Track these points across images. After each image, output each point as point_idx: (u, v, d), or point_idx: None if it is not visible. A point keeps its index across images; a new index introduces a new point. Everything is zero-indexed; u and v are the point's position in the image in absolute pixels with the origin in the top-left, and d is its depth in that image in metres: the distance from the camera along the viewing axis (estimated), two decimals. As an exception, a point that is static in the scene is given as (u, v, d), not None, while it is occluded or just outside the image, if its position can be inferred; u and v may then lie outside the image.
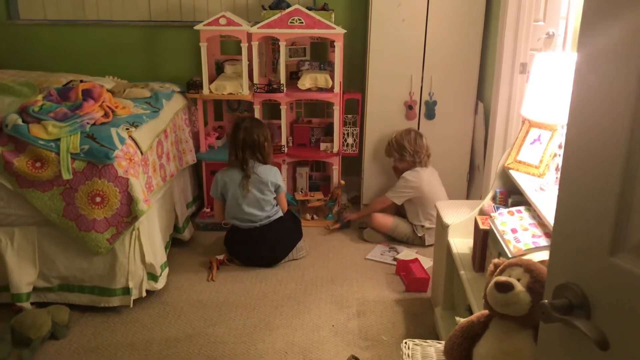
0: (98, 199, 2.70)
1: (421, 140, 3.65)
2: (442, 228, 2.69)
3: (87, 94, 2.98)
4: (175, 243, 3.55)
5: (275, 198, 3.43)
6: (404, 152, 3.64)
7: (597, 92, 0.90)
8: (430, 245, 3.54)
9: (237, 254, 3.42)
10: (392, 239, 3.74)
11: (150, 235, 2.95)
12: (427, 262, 3.33)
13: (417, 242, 3.68)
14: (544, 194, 2.06)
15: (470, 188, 3.94)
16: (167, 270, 3.09)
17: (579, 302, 0.95)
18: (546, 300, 0.97)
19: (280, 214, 3.47)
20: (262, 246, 3.36)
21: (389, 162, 3.90)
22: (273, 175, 3.40)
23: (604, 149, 0.89)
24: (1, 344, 2.52)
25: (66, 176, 2.65)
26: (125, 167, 2.73)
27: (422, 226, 3.64)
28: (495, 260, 1.67)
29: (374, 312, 2.93)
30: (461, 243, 2.53)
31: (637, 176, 0.85)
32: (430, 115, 3.81)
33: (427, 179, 3.63)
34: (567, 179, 0.97)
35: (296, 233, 3.53)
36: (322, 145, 3.97)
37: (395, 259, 3.47)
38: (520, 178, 2.25)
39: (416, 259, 3.37)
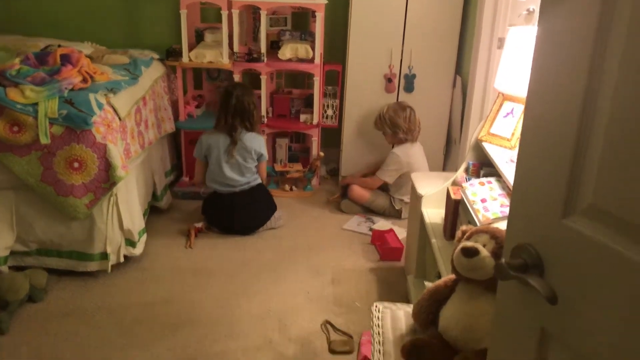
0: (76, 165, 2.70)
1: (414, 117, 3.63)
2: (416, 198, 2.75)
3: (66, 59, 2.96)
4: (153, 211, 3.57)
5: (256, 166, 3.47)
6: (397, 130, 3.62)
7: (554, 62, 0.95)
8: (407, 218, 3.61)
9: (214, 221, 3.46)
10: (370, 211, 3.79)
11: (128, 202, 2.97)
12: (401, 233, 3.40)
13: (393, 214, 3.74)
14: (514, 165, 2.12)
15: (446, 161, 4.00)
16: (145, 236, 3.12)
17: (533, 262, 1.01)
18: (503, 260, 1.02)
19: (259, 181, 3.51)
20: (240, 212, 3.40)
21: (369, 134, 3.93)
22: (258, 143, 3.44)
23: (558, 116, 0.94)
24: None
25: (44, 141, 2.65)
26: (104, 133, 2.74)
27: (402, 200, 3.69)
28: (463, 227, 1.73)
29: (349, 280, 3.00)
30: (434, 213, 2.59)
31: (588, 144, 0.90)
32: (409, 88, 3.85)
33: (415, 154, 3.66)
34: (525, 145, 1.02)
35: (272, 203, 3.57)
36: (302, 117, 3.99)
37: (371, 230, 3.53)
38: (492, 150, 2.31)
39: (391, 230, 3.44)
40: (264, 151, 3.47)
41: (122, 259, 2.93)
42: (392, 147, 3.76)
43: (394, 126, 3.61)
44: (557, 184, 0.95)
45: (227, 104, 3.37)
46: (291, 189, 4.04)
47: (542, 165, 0.98)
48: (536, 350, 1.04)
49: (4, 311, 2.55)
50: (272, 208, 3.55)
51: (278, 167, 4.08)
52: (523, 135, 1.02)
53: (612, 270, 0.88)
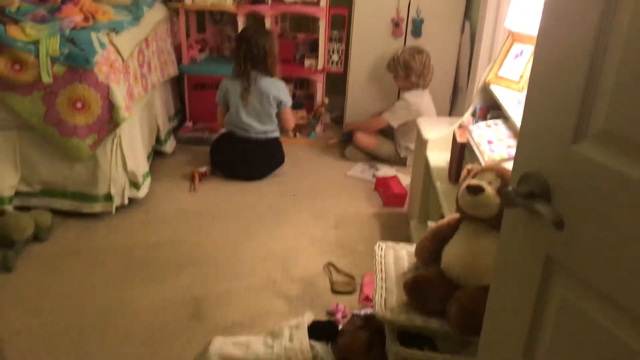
0: (79, 105, 2.68)
1: (429, 62, 3.56)
2: (421, 143, 2.73)
3: (66, -3, 2.90)
4: (157, 155, 3.56)
5: (277, 114, 3.42)
6: (410, 73, 3.54)
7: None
8: (411, 167, 3.59)
9: (220, 164, 3.45)
10: (374, 158, 3.78)
11: (132, 144, 2.96)
12: (405, 180, 3.39)
13: (398, 161, 3.73)
14: (522, 106, 2.09)
15: (452, 110, 3.96)
16: (149, 179, 3.12)
17: (540, 190, 1.00)
18: (510, 188, 1.01)
19: (277, 135, 3.47)
20: (248, 159, 3.39)
21: (376, 81, 3.88)
22: (276, 88, 3.37)
23: (573, 39, 0.91)
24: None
25: (46, 79, 2.62)
26: (106, 72, 2.70)
27: (407, 147, 3.67)
28: (469, 166, 1.72)
29: (352, 224, 3.01)
30: (439, 157, 2.57)
31: (602, 67, 0.88)
32: (416, 33, 3.77)
33: (425, 102, 3.61)
34: (538, 68, 0.99)
35: (281, 157, 3.55)
36: (307, 62, 3.93)
37: (375, 176, 3.53)
38: (500, 92, 2.27)
39: (395, 176, 3.43)
40: (284, 97, 3.39)
41: (126, 201, 2.94)
42: (398, 93, 3.71)
43: (407, 69, 3.53)
44: (568, 110, 0.93)
45: (239, 48, 3.32)
46: (295, 136, 4.02)
47: (553, 92, 0.96)
48: (540, 278, 1.04)
49: (10, 249, 2.57)
50: (280, 161, 3.54)
51: (282, 114, 4.04)
52: (535, 60, 1.00)
53: (621, 195, 0.87)
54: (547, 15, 0.97)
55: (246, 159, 3.40)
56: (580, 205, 0.94)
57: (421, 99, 3.58)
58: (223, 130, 3.54)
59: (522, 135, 1.05)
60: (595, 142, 0.91)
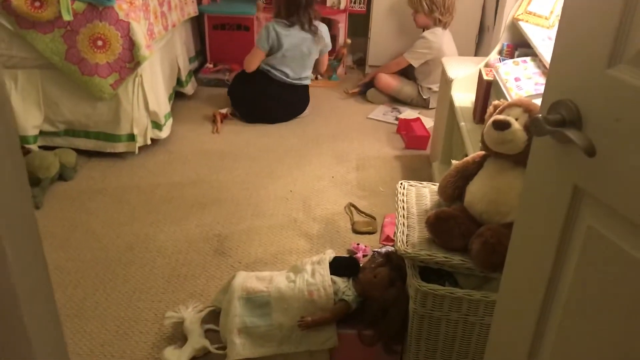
0: (100, 43, 2.66)
1: (454, 1, 3.46)
2: (445, 83, 2.67)
3: None
4: (178, 97, 3.56)
5: (316, 59, 3.42)
6: (434, 7, 3.43)
7: None
8: (434, 108, 3.54)
9: (241, 104, 3.43)
10: (396, 101, 3.73)
11: (154, 84, 2.95)
12: (428, 123, 3.35)
13: (421, 104, 3.67)
14: (552, 43, 2.02)
15: (478, 49, 3.86)
16: (170, 120, 3.13)
17: (572, 117, 0.97)
18: (540, 115, 0.99)
19: (308, 82, 3.46)
20: (276, 102, 3.37)
21: (399, 22, 3.78)
22: (326, 33, 3.38)
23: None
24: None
25: (66, 17, 2.60)
26: (126, 10, 2.67)
27: (429, 88, 3.61)
28: (495, 102, 1.68)
29: (373, 166, 3.00)
30: (464, 97, 2.52)
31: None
32: (442, -30, 3.63)
33: (447, 41, 3.52)
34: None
35: (307, 100, 3.52)
36: (329, 1, 3.84)
37: (397, 119, 3.48)
38: (529, 29, 2.20)
39: (418, 119, 3.39)
40: (329, 41, 3.40)
41: (149, 141, 2.96)
42: (422, 31, 3.61)
43: (432, 3, 3.42)
44: (603, 32, 0.89)
45: None
46: (316, 78, 3.97)
47: (588, 13, 0.92)
48: (567, 209, 1.02)
49: (36, 187, 2.62)
50: (305, 105, 3.51)
51: (303, 55, 3.97)
52: (571, -21, 0.95)
53: (657, 120, 0.84)
54: None
55: (273, 102, 3.37)
56: (613, 132, 0.91)
57: (442, 38, 3.49)
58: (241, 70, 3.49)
59: (554, 62, 1.01)
60: (632, 65, 0.87)
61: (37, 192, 2.59)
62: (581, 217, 1.01)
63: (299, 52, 3.28)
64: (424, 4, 3.45)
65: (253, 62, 3.38)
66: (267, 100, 3.36)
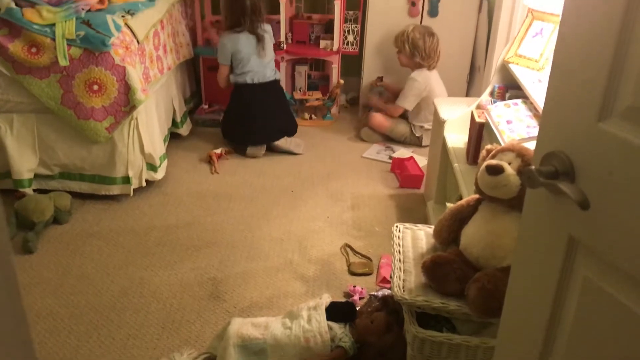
0: (96, 87, 2.69)
1: (437, 46, 3.54)
2: (438, 124, 2.70)
3: (81, -21, 2.88)
4: (173, 138, 3.57)
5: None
6: (416, 52, 3.53)
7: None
8: (427, 146, 3.57)
9: (232, 134, 3.54)
10: (390, 139, 3.76)
11: (149, 126, 2.96)
12: (422, 161, 3.37)
13: (414, 142, 3.71)
14: (542, 85, 2.06)
15: (469, 89, 3.91)
16: (166, 161, 3.14)
17: (564, 169, 0.98)
18: (532, 167, 1.00)
19: (276, 77, 3.58)
20: (265, 109, 3.48)
21: (391, 62, 3.84)
22: (271, 32, 3.57)
23: (599, 14, 0.89)
24: (7, 226, 2.59)
25: (63, 62, 2.63)
26: (122, 55, 2.70)
27: (422, 127, 3.65)
28: (488, 146, 1.70)
29: (368, 205, 3.01)
30: (457, 138, 2.55)
31: (630, 38, 0.85)
32: (433, 12, 3.72)
33: (433, 80, 3.59)
34: (562, 44, 0.97)
35: (293, 121, 3.65)
36: (322, 43, 3.90)
37: (390, 158, 3.51)
38: (520, 72, 2.24)
39: (411, 157, 3.41)
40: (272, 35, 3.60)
41: (144, 183, 2.96)
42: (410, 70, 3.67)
43: (414, 47, 3.52)
44: (594, 86, 0.91)
45: (242, 5, 3.36)
46: (310, 118, 4.01)
47: (578, 68, 0.94)
48: (563, 259, 1.03)
49: (31, 231, 2.61)
50: (288, 113, 3.64)
51: (297, 95, 4.02)
52: (560, 36, 0.97)
53: (647, 173, 0.85)
54: (573, -10, 0.95)
55: (255, 109, 3.47)
56: (606, 185, 0.92)
57: (428, 75, 3.57)
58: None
59: (545, 113, 1.03)
60: (622, 119, 0.89)
61: (31, 236, 2.58)
62: (577, 267, 1.01)
63: (255, 52, 3.42)
64: (407, 46, 3.54)
65: (221, 78, 3.55)
66: (248, 111, 3.46)
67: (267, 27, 3.53)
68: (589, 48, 0.92)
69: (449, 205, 1.87)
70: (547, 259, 1.07)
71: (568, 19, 0.97)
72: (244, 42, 3.40)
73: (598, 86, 0.91)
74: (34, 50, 2.61)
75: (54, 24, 2.62)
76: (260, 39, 3.42)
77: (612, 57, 0.88)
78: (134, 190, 2.93)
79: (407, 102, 3.58)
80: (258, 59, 3.44)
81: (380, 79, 3.89)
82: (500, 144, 1.99)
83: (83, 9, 2.73)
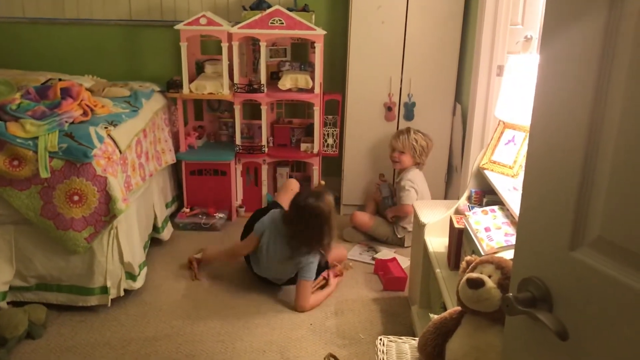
0: (76, 198, 2.69)
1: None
2: (419, 227, 2.72)
3: (66, 93, 2.97)
4: (154, 242, 3.54)
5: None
6: (423, 151, 3.66)
7: (557, 92, 0.94)
8: (409, 247, 3.57)
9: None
10: (372, 239, 3.76)
11: (129, 235, 2.94)
12: (405, 262, 3.36)
13: (396, 242, 3.71)
14: (517, 193, 2.10)
15: (448, 189, 3.98)
16: (145, 269, 3.09)
17: (542, 296, 0.98)
18: (510, 294, 1.00)
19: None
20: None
21: (369, 162, 3.93)
22: (310, 264, 2.98)
23: (564, 147, 0.93)
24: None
25: (44, 175, 2.64)
26: (104, 165, 2.73)
27: (404, 228, 3.67)
28: (468, 258, 1.70)
29: (352, 310, 2.96)
30: (437, 242, 2.56)
31: (594, 173, 0.89)
32: (409, 116, 3.85)
33: (423, 181, 3.69)
34: (530, 176, 1.00)
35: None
36: (303, 146, 3.99)
37: (373, 259, 3.50)
38: (495, 178, 2.29)
39: (394, 259, 3.40)
40: (311, 273, 2.97)
41: (122, 293, 2.89)
42: (393, 172, 3.73)
43: (422, 148, 3.64)
44: (564, 216, 0.93)
45: (301, 219, 2.92)
46: (293, 219, 4.01)
47: (548, 198, 0.97)
48: (547, 387, 1.01)
49: (2, 348, 2.51)
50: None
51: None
52: (527, 167, 1.01)
53: (621, 303, 0.86)
54: (536, 122, 0.99)
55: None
56: (583, 313, 0.92)
57: (420, 179, 3.65)
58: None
59: (519, 240, 1.04)
60: (592, 249, 0.91)
61: (2, 353, 2.48)
62: (562, 396, 0.99)
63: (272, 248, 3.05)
64: (415, 148, 3.63)
65: (246, 247, 3.16)
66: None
67: (307, 258, 2.96)
68: (555, 179, 0.95)
69: (433, 316, 1.85)
70: (531, 386, 1.05)
71: (534, 149, 1.00)
72: (274, 234, 3.02)
73: (567, 216, 0.93)
74: (15, 162, 2.63)
75: (37, 137, 2.66)
76: (290, 256, 2.96)
77: (578, 189, 0.91)
78: (112, 300, 2.86)
79: (412, 199, 3.60)
80: (274, 259, 3.03)
81: (382, 176, 3.94)
82: (480, 252, 2.00)
83: (66, 122, 2.78)
